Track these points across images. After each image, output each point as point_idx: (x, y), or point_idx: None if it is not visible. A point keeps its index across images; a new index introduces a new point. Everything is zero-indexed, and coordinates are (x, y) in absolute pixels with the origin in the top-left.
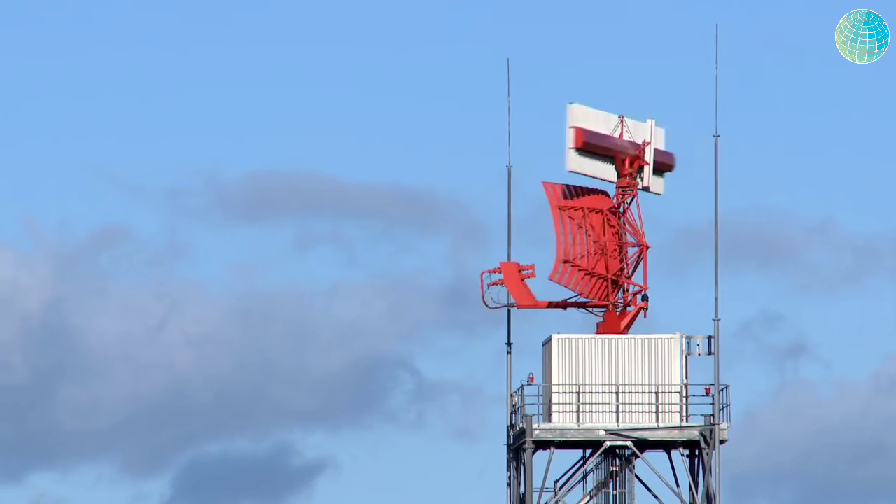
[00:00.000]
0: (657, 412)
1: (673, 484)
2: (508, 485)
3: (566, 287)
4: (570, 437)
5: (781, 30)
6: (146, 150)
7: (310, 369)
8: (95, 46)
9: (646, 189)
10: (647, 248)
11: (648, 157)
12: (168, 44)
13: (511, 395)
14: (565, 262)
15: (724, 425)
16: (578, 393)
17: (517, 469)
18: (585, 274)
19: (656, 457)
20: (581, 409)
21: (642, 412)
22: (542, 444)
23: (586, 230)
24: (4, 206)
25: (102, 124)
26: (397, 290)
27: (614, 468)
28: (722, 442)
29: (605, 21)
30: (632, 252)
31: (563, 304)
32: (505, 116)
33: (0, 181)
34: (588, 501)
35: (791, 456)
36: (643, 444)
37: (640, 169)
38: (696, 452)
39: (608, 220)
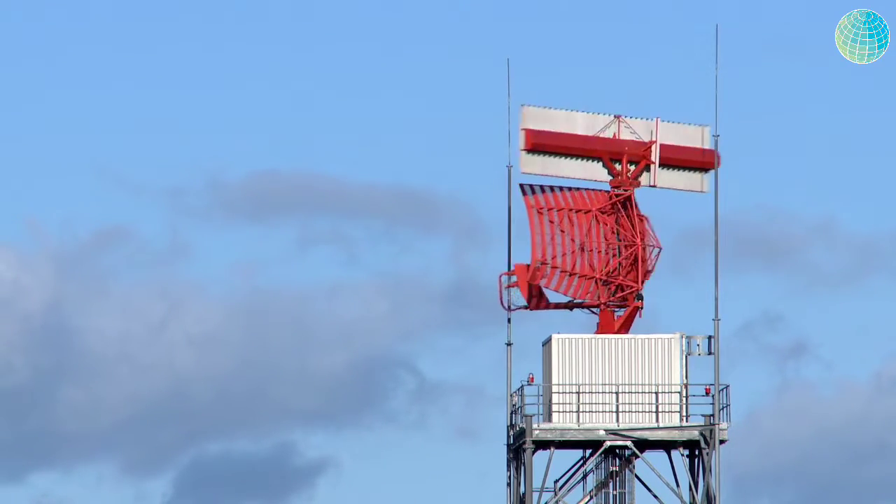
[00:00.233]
0: (657, 412)
1: (673, 484)
2: (508, 485)
3: (546, 288)
4: (570, 437)
5: (781, 30)
6: (148, 150)
7: (311, 369)
8: (97, 46)
9: (653, 187)
10: (649, 247)
11: (654, 155)
12: (169, 43)
13: (511, 395)
14: (542, 263)
15: (724, 425)
16: (578, 393)
17: (517, 469)
18: (567, 274)
19: (656, 457)
20: (581, 409)
21: (642, 412)
22: (542, 444)
23: (567, 231)
24: (6, 206)
25: (104, 124)
26: (399, 290)
27: (614, 468)
28: (722, 442)
29: (605, 21)
30: (641, 252)
31: (570, 305)
32: (505, 116)
33: (2, 181)
34: (588, 501)
35: (792, 456)
36: (643, 444)
37: (647, 168)
38: (696, 452)
39: (598, 219)
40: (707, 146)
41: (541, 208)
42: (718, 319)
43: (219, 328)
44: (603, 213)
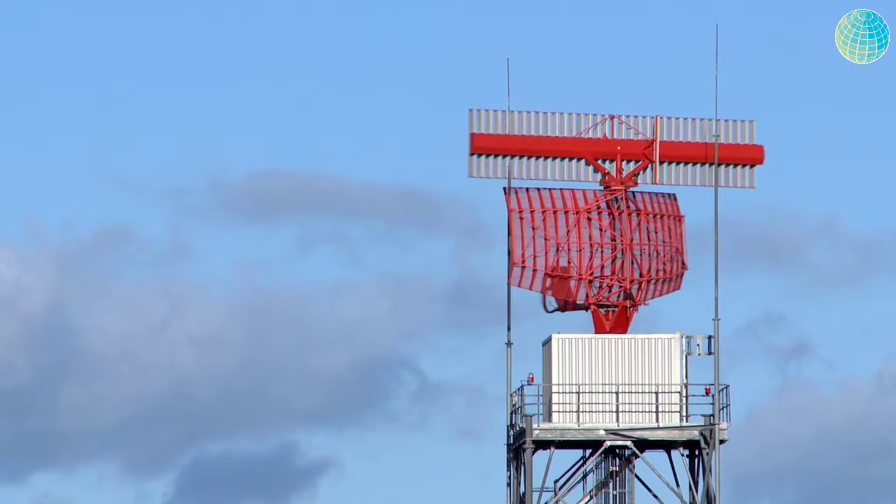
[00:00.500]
0: (657, 412)
1: (673, 484)
2: (508, 485)
3: (526, 289)
4: (570, 436)
5: (781, 30)
6: (149, 150)
7: (313, 369)
8: (97, 46)
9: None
10: (645, 245)
11: (654, 153)
12: (169, 43)
13: (511, 395)
14: (517, 265)
15: (724, 425)
16: (578, 393)
17: (517, 469)
18: (545, 275)
19: (656, 457)
20: (581, 409)
21: (642, 412)
22: (542, 444)
23: (544, 232)
24: (7, 206)
25: (104, 124)
26: (400, 291)
27: (614, 468)
28: (722, 442)
29: (605, 21)
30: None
31: (584, 306)
32: None
33: (3, 181)
34: (588, 501)
35: (792, 456)
36: (643, 444)
37: (648, 166)
38: (696, 452)
39: (590, 219)
40: (754, 142)
41: (521, 210)
42: (718, 319)
43: (220, 328)
44: (592, 213)
